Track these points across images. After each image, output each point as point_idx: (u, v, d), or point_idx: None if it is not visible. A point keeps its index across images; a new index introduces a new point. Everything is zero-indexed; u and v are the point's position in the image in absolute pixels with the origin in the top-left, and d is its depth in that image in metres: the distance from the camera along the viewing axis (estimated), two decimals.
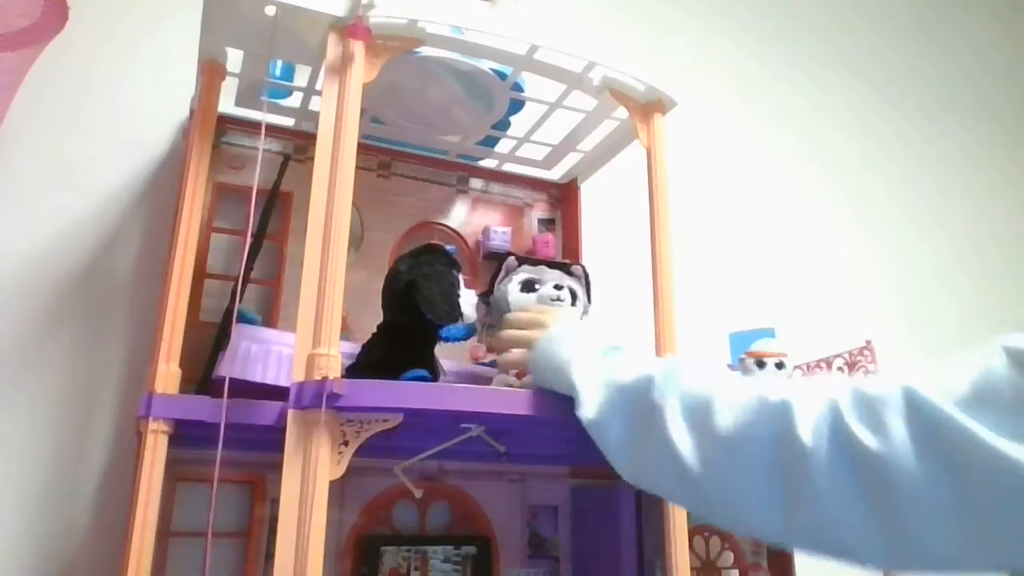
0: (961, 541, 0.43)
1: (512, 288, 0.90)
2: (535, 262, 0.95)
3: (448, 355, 0.94)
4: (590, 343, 0.73)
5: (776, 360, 1.03)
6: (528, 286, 0.90)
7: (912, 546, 0.45)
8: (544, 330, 0.79)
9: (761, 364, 1.03)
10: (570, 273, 0.94)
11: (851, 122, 1.84)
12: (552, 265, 0.95)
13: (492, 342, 0.88)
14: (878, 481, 0.45)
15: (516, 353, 0.81)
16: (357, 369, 0.82)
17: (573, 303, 0.90)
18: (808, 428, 0.49)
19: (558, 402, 0.74)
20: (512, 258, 0.94)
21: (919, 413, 0.45)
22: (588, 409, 0.67)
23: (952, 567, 0.45)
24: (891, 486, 0.45)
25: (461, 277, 0.87)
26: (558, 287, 0.89)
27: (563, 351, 0.74)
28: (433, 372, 0.84)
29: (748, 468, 0.52)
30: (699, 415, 0.57)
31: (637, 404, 0.64)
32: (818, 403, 0.50)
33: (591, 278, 0.97)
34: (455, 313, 0.83)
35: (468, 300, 0.86)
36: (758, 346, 1.06)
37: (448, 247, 0.88)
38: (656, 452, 0.59)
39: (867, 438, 0.46)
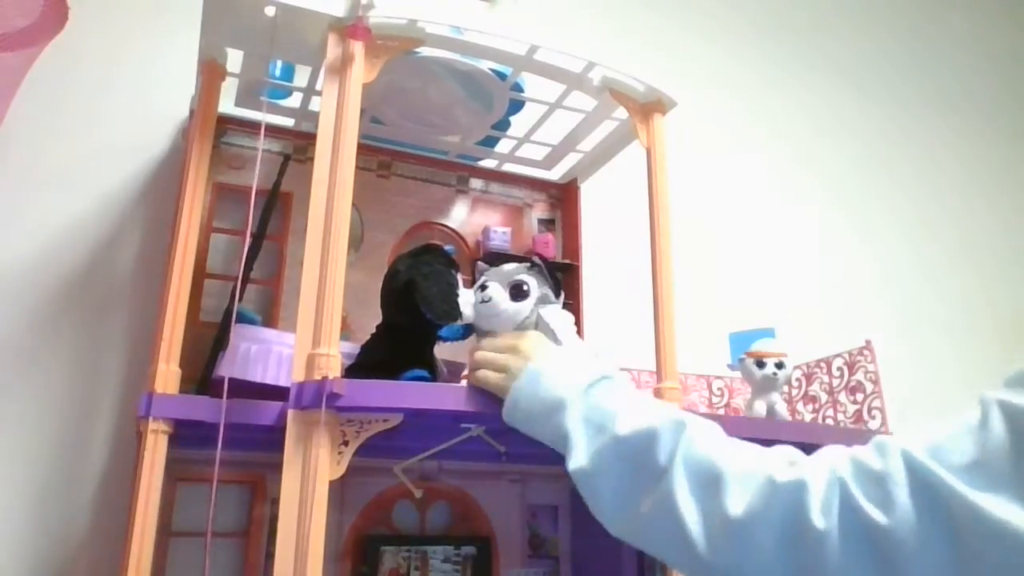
0: None
1: (474, 293, 0.89)
2: (503, 260, 0.93)
3: (448, 355, 0.94)
4: (577, 379, 0.68)
5: (776, 360, 1.03)
6: (481, 289, 0.88)
7: None
8: (519, 357, 0.73)
9: (761, 364, 1.03)
10: (532, 265, 0.92)
11: (851, 122, 1.84)
12: (519, 260, 0.93)
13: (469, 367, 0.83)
14: (890, 556, 0.46)
15: (492, 377, 0.74)
16: (357, 369, 0.82)
17: (519, 299, 0.87)
18: (818, 509, 0.49)
19: None
20: (480, 263, 0.93)
21: (923, 486, 0.46)
22: (579, 457, 0.63)
23: None
24: (903, 560, 0.45)
25: (460, 277, 0.87)
26: (483, 287, 0.85)
27: (549, 391, 0.68)
28: (433, 372, 0.84)
29: (759, 551, 0.51)
30: (709, 490, 0.56)
31: (638, 460, 0.60)
32: (824, 481, 0.50)
33: (557, 269, 0.93)
34: (454, 312, 0.83)
35: (467, 300, 0.86)
36: (758, 346, 1.06)
37: (447, 247, 0.88)
38: (660, 519, 0.57)
39: (875, 513, 0.47)
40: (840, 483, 0.50)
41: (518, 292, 0.87)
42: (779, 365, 1.03)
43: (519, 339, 0.77)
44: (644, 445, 0.60)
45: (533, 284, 0.88)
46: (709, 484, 0.56)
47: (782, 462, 0.54)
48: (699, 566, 0.55)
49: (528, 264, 0.91)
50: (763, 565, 0.51)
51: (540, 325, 0.87)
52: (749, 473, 0.55)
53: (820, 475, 0.51)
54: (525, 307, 0.87)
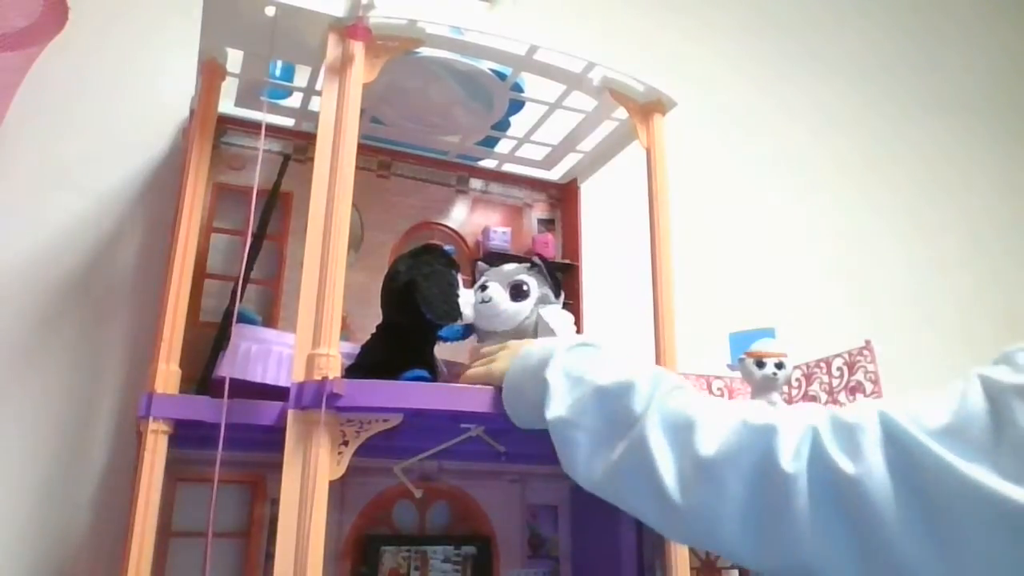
0: (938, 568, 0.43)
1: (474, 293, 0.90)
2: (503, 260, 0.94)
3: (448, 355, 0.94)
4: (562, 343, 0.70)
5: (776, 360, 1.03)
6: (482, 289, 0.89)
7: (889, 571, 0.45)
8: (507, 350, 0.77)
9: (761, 364, 1.03)
10: (532, 265, 0.92)
11: (852, 123, 1.84)
12: (520, 260, 0.94)
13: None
14: (856, 505, 0.46)
15: (478, 369, 0.79)
16: (357, 369, 0.82)
17: (519, 299, 0.88)
18: (789, 453, 0.50)
19: None
20: (480, 263, 0.94)
21: (895, 441, 0.46)
22: (557, 406, 0.64)
23: None
24: (869, 511, 0.45)
25: (460, 277, 0.87)
26: (483, 287, 0.87)
27: (534, 356, 0.71)
28: (433, 372, 0.84)
29: (727, 492, 0.52)
30: (682, 434, 0.56)
31: (614, 409, 0.61)
32: (798, 429, 0.51)
33: (557, 269, 0.94)
34: (454, 313, 0.83)
35: (467, 300, 0.86)
36: (758, 346, 1.06)
37: (447, 247, 0.88)
38: (632, 465, 0.58)
39: (845, 463, 0.47)
40: (813, 431, 0.50)
41: (518, 292, 0.87)
42: (779, 365, 1.03)
43: (510, 343, 0.81)
44: (621, 393, 0.61)
45: (533, 284, 0.89)
46: (682, 429, 0.57)
47: (757, 411, 0.55)
48: (671, 513, 0.55)
49: (528, 264, 0.91)
50: (733, 508, 0.51)
51: (540, 325, 0.87)
52: (722, 418, 0.55)
53: (793, 422, 0.51)
54: (525, 307, 0.88)
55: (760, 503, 0.50)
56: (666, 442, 0.57)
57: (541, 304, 0.89)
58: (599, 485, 0.62)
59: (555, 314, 0.89)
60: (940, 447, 0.44)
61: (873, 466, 0.46)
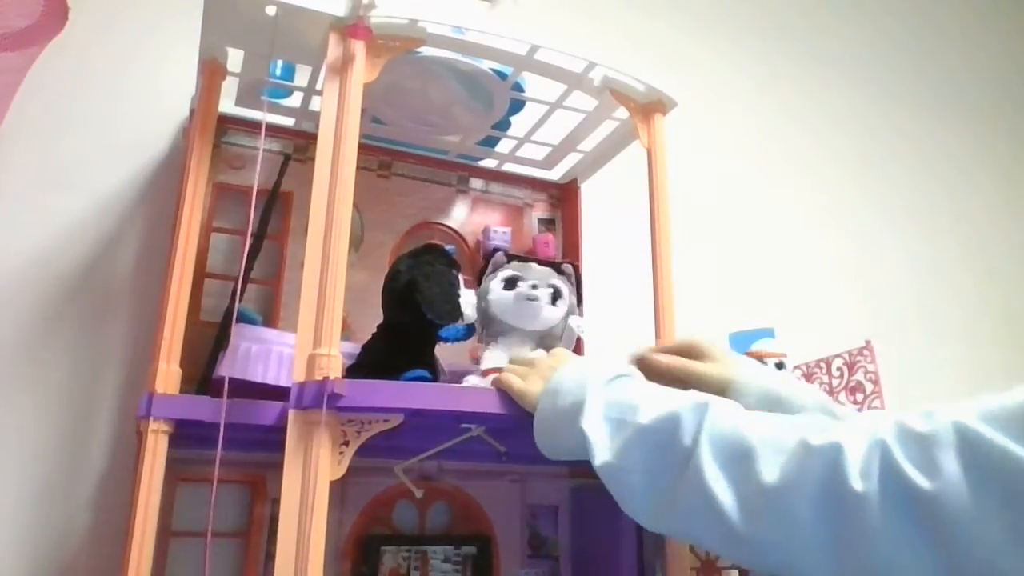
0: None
1: (495, 285, 0.88)
2: (526, 259, 0.94)
3: (448, 355, 0.94)
4: (595, 380, 0.67)
5: (776, 360, 1.03)
6: (511, 283, 0.88)
7: None
8: (536, 370, 0.74)
9: (761, 364, 1.03)
10: (560, 271, 0.93)
11: (852, 121, 1.84)
12: (543, 263, 0.94)
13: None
14: (935, 521, 0.44)
15: (514, 382, 0.75)
16: (357, 369, 0.82)
17: (555, 302, 0.89)
18: (857, 472, 0.47)
19: None
20: (500, 253, 0.93)
21: (972, 448, 0.44)
22: (602, 452, 0.62)
23: None
24: (948, 525, 0.43)
25: (461, 277, 0.87)
26: (535, 286, 0.86)
27: (567, 397, 0.68)
28: (434, 372, 0.84)
29: (796, 519, 0.50)
30: (738, 463, 0.54)
31: (663, 446, 0.59)
32: (864, 444, 0.49)
33: (582, 278, 0.95)
34: (455, 312, 0.83)
35: (468, 300, 0.86)
36: (758, 346, 1.06)
37: (448, 247, 0.88)
38: (691, 502, 0.55)
39: (919, 478, 0.45)
40: (881, 445, 0.47)
41: (556, 296, 0.88)
42: (779, 365, 1.03)
43: (536, 358, 0.79)
44: (668, 430, 0.59)
45: (566, 291, 0.89)
46: (738, 456, 0.54)
47: (816, 427, 0.53)
48: (737, 543, 0.53)
49: (557, 270, 0.91)
50: (801, 535, 0.49)
51: (567, 334, 0.88)
52: (780, 440, 0.53)
53: (859, 437, 0.49)
54: (559, 313, 0.88)
55: (832, 527, 0.48)
56: (722, 474, 0.54)
57: (570, 313, 0.90)
58: (662, 524, 0.60)
59: (580, 325, 0.90)
60: (1021, 449, 0.42)
61: (951, 479, 0.44)
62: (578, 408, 0.65)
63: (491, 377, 0.80)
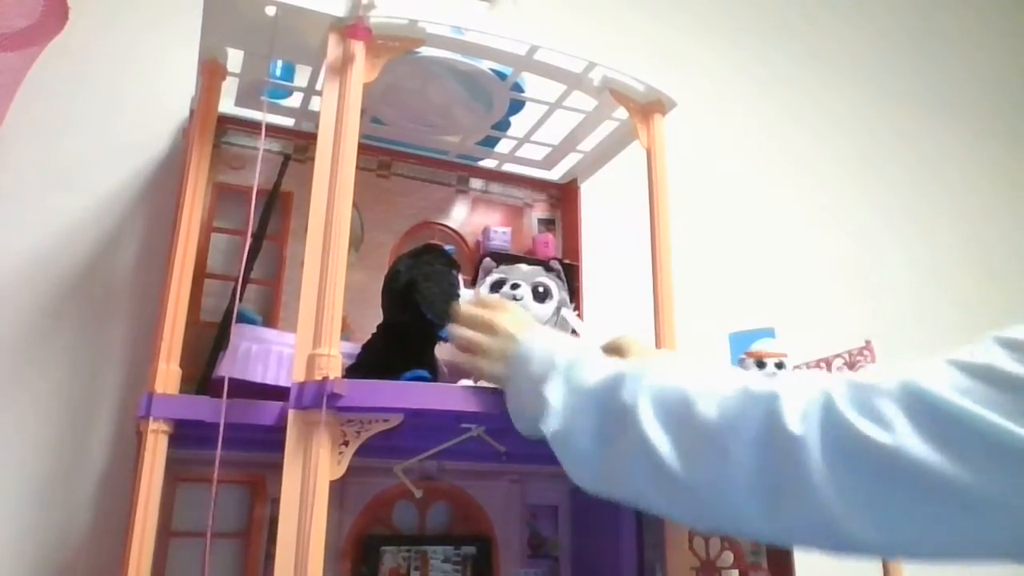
0: (973, 529, 0.42)
1: (484, 290, 0.90)
2: (512, 260, 0.94)
3: (449, 355, 0.94)
4: (562, 355, 0.68)
5: (776, 360, 1.03)
6: (496, 287, 0.89)
7: (916, 535, 0.44)
8: (499, 337, 0.74)
9: (761, 364, 1.03)
10: (548, 269, 0.93)
11: (852, 122, 1.84)
12: (530, 262, 0.94)
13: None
14: (878, 470, 0.45)
15: (480, 363, 0.75)
16: (356, 369, 0.82)
17: (543, 300, 0.89)
18: (797, 417, 0.48)
19: None
20: (487, 259, 0.93)
21: (919, 401, 0.45)
22: (552, 422, 0.64)
23: (962, 555, 0.44)
24: (894, 475, 0.44)
25: (461, 277, 0.87)
26: (515, 286, 0.87)
27: (535, 365, 0.69)
28: (433, 372, 0.84)
29: (733, 459, 0.50)
30: (677, 411, 0.55)
31: (606, 406, 0.61)
32: (808, 392, 0.49)
33: (577, 274, 0.95)
34: (454, 312, 0.83)
35: (468, 299, 0.86)
36: (758, 346, 1.06)
37: (447, 247, 0.88)
38: (632, 455, 0.56)
39: (865, 427, 0.45)
40: (824, 393, 0.48)
41: (541, 294, 0.88)
42: (779, 365, 1.03)
43: (494, 315, 0.76)
44: (611, 387, 0.61)
45: (553, 288, 0.90)
46: (677, 404, 0.56)
47: (757, 378, 0.54)
48: (676, 492, 0.54)
49: (545, 267, 0.92)
50: (740, 476, 0.50)
51: (559, 326, 0.88)
52: (719, 388, 0.54)
53: (800, 386, 0.50)
54: (548, 310, 0.89)
55: (770, 468, 0.49)
56: (660, 422, 0.55)
57: (562, 307, 0.90)
58: (605, 485, 0.61)
59: (574, 317, 0.90)
60: (969, 402, 0.43)
61: (899, 430, 0.44)
62: (544, 377, 0.67)
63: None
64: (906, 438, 0.44)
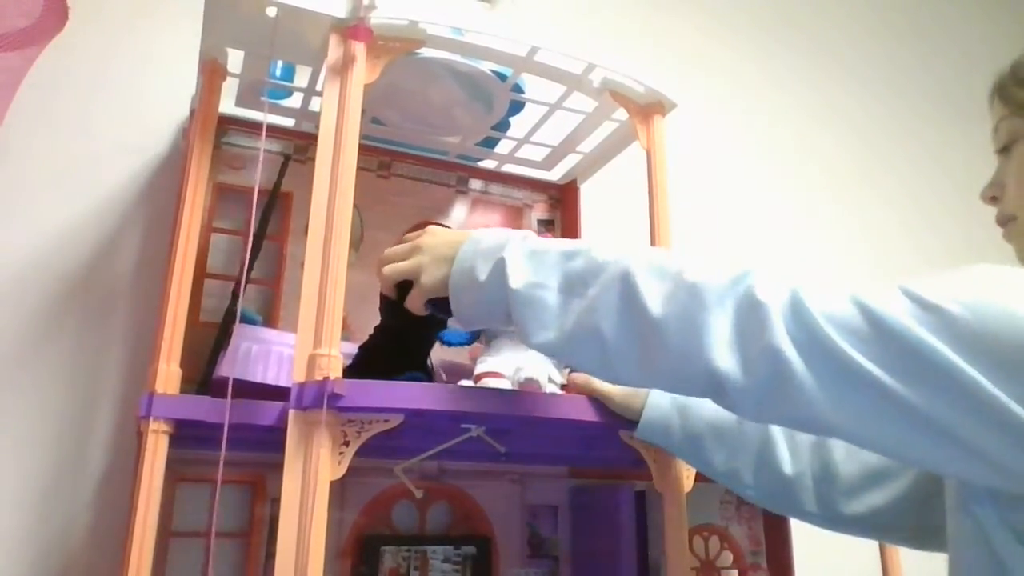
0: (901, 429, 0.49)
1: None
2: None
3: (448, 354, 0.94)
4: (517, 234, 0.67)
5: None
6: None
7: (856, 421, 0.50)
8: (423, 252, 0.71)
9: None
10: None
11: (852, 121, 1.84)
12: None
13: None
14: (827, 357, 0.50)
15: (428, 278, 0.70)
16: (351, 371, 0.82)
17: None
18: (766, 288, 0.53)
19: (559, 402, 0.73)
20: None
21: (870, 320, 0.49)
22: (519, 277, 0.62)
23: (889, 448, 0.52)
24: (843, 370, 0.50)
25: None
26: None
27: (487, 240, 0.67)
28: (428, 375, 0.84)
29: (709, 303, 0.54)
30: (662, 269, 0.58)
31: (583, 263, 0.61)
32: (778, 282, 0.54)
33: None
34: (450, 311, 0.82)
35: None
36: None
37: None
38: (611, 294, 0.58)
39: (824, 320, 0.50)
40: (792, 288, 0.52)
41: None
42: None
43: (417, 237, 0.74)
44: (589, 249, 0.62)
45: None
46: (662, 266, 0.58)
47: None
48: (650, 332, 0.56)
49: None
50: (715, 320, 0.54)
51: None
52: (705, 263, 0.58)
53: (773, 276, 0.55)
54: None
55: (742, 326, 0.53)
56: (648, 276, 0.57)
57: None
58: (567, 333, 0.60)
59: None
60: (832, 329, 0.49)
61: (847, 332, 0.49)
62: (500, 246, 0.66)
63: (484, 380, 0.81)
64: (853, 346, 0.49)
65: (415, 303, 0.72)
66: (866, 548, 0.99)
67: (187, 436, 0.77)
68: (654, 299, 0.56)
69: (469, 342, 0.92)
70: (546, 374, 0.83)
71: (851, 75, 1.88)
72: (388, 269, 0.74)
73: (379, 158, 1.15)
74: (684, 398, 0.78)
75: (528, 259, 0.64)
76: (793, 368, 0.49)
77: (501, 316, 0.65)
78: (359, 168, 0.78)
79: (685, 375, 0.55)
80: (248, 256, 0.90)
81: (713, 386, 0.54)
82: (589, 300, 0.59)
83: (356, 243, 1.08)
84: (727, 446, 0.77)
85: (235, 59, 0.91)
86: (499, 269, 0.64)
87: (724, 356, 0.52)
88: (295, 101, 1.04)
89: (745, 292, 0.53)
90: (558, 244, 0.65)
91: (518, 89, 1.01)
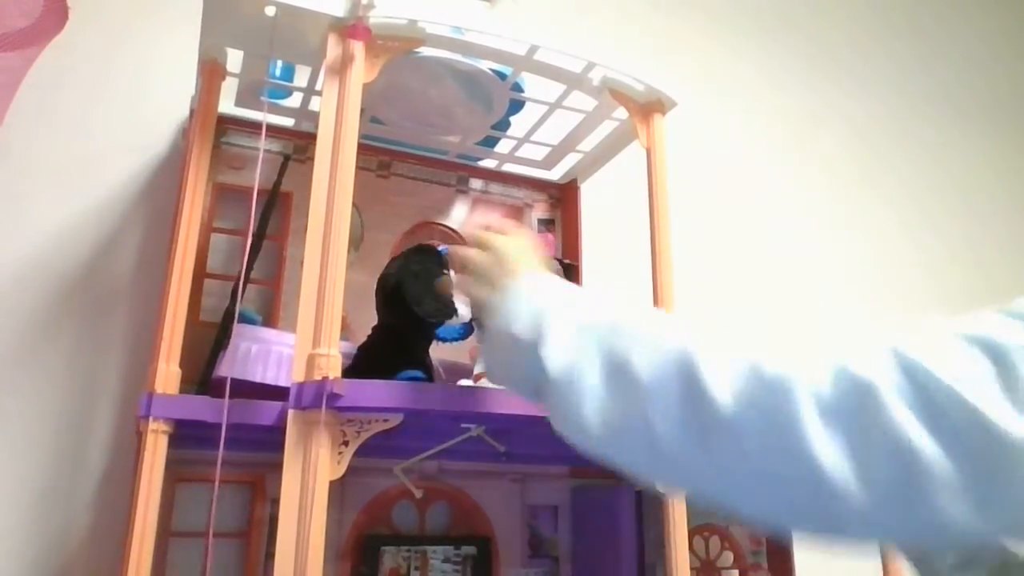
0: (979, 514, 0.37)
1: None
2: None
3: (448, 353, 0.94)
4: (565, 294, 0.59)
5: None
6: None
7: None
8: (504, 271, 0.63)
9: None
10: None
11: (852, 121, 1.84)
12: None
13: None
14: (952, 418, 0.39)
15: (474, 289, 0.65)
16: (352, 371, 0.82)
17: None
18: (864, 362, 0.42)
19: None
20: None
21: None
22: (555, 353, 0.53)
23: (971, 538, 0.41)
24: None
25: (456, 277, 0.87)
26: None
27: (531, 302, 0.58)
28: (428, 372, 0.84)
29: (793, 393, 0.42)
30: (737, 359, 0.46)
31: (618, 344, 0.51)
32: (868, 346, 0.44)
33: (571, 273, 0.94)
34: (446, 310, 0.83)
35: (463, 299, 0.86)
36: None
37: (440, 247, 0.88)
38: (651, 384, 0.47)
39: (943, 373, 0.40)
40: (892, 350, 0.42)
41: None
42: None
43: (498, 238, 0.68)
44: (625, 325, 0.52)
45: None
46: (728, 355, 0.47)
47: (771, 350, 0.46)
48: (710, 428, 0.44)
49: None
50: (803, 408, 0.41)
51: None
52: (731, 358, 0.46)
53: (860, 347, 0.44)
54: None
55: (843, 407, 0.41)
56: (713, 358, 0.46)
57: None
58: (611, 427, 0.49)
59: None
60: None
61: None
62: (543, 310, 0.57)
63: (483, 380, 0.81)
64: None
65: (447, 288, 0.69)
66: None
67: (186, 436, 0.77)
68: (723, 390, 0.44)
69: (464, 337, 0.92)
70: None
71: (851, 75, 1.88)
72: (475, 292, 0.66)
73: (379, 158, 1.15)
74: None
75: (571, 331, 0.54)
76: (927, 458, 0.38)
77: (529, 390, 0.56)
78: (359, 168, 0.78)
79: (772, 485, 0.43)
80: (248, 256, 0.90)
81: (816, 506, 0.41)
82: (638, 388, 0.48)
83: (356, 243, 1.08)
84: None
85: (235, 59, 0.91)
86: (537, 333, 0.55)
87: (829, 460, 0.40)
88: (294, 101, 1.04)
89: (838, 373, 0.42)
90: (605, 314, 0.54)
91: (518, 88, 1.01)
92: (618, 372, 0.50)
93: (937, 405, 0.39)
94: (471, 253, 0.68)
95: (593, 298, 0.58)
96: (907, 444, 0.38)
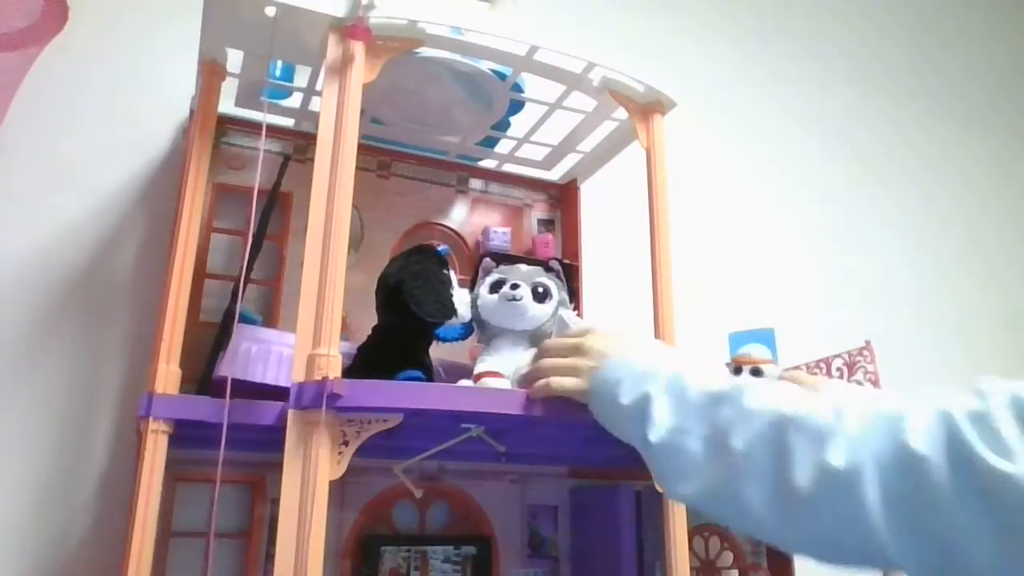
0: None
1: (483, 290, 0.90)
2: (512, 260, 0.94)
3: (449, 353, 0.94)
4: (667, 366, 0.65)
5: (752, 367, 1.03)
6: (496, 287, 0.89)
7: None
8: (587, 356, 0.72)
9: (738, 371, 1.03)
10: (548, 269, 0.93)
11: (852, 122, 1.84)
12: (530, 262, 0.95)
13: (526, 372, 0.80)
14: (1004, 501, 0.42)
15: (567, 383, 0.72)
16: (352, 371, 0.82)
17: (543, 300, 0.89)
18: (920, 433, 0.46)
19: (557, 402, 0.73)
20: (487, 259, 0.93)
21: None
22: (658, 427, 0.60)
23: None
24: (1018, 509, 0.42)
25: (456, 276, 0.87)
26: (515, 286, 0.87)
27: (632, 377, 0.66)
28: (428, 372, 0.84)
29: (864, 478, 0.47)
30: (804, 423, 0.52)
31: (720, 416, 0.57)
32: (926, 411, 0.47)
33: (577, 273, 0.95)
34: (446, 310, 0.83)
35: (462, 299, 0.86)
36: (743, 351, 1.06)
37: (440, 248, 0.88)
38: (750, 461, 0.54)
39: (990, 456, 0.43)
40: (945, 415, 0.46)
41: (540, 295, 0.88)
42: (755, 372, 1.02)
43: (581, 338, 0.75)
44: (734, 395, 0.58)
45: (553, 288, 0.90)
46: (819, 431, 0.52)
47: (886, 398, 0.52)
48: (795, 509, 0.51)
49: (544, 267, 0.92)
50: (869, 491, 0.47)
51: (557, 326, 0.88)
52: (856, 413, 0.51)
53: (920, 407, 0.48)
54: (547, 310, 0.88)
55: (901, 512, 0.46)
56: (804, 434, 0.52)
57: (561, 307, 0.90)
58: (710, 489, 0.57)
59: (574, 318, 0.90)
60: None
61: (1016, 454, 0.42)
62: (647, 375, 0.65)
63: (483, 380, 0.81)
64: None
65: (542, 393, 0.74)
66: None
67: (187, 436, 0.77)
68: (804, 467, 0.50)
69: (464, 336, 0.92)
70: None
71: (851, 75, 1.88)
72: (556, 384, 0.73)
73: (379, 158, 1.15)
74: None
75: (673, 399, 0.61)
76: (969, 542, 0.42)
77: (639, 441, 0.63)
78: (359, 168, 0.78)
79: (836, 548, 0.50)
80: (248, 256, 0.89)
81: (869, 564, 0.49)
82: (735, 457, 0.55)
83: (356, 243, 1.08)
84: None
85: (235, 59, 0.91)
86: (643, 403, 0.63)
87: (884, 538, 0.46)
88: (295, 101, 1.04)
89: (897, 448, 0.47)
90: (706, 384, 0.61)
91: (518, 88, 1.01)
92: (716, 439, 0.57)
93: (988, 490, 0.42)
94: (567, 346, 0.75)
95: (691, 365, 0.65)
96: (958, 532, 0.43)
